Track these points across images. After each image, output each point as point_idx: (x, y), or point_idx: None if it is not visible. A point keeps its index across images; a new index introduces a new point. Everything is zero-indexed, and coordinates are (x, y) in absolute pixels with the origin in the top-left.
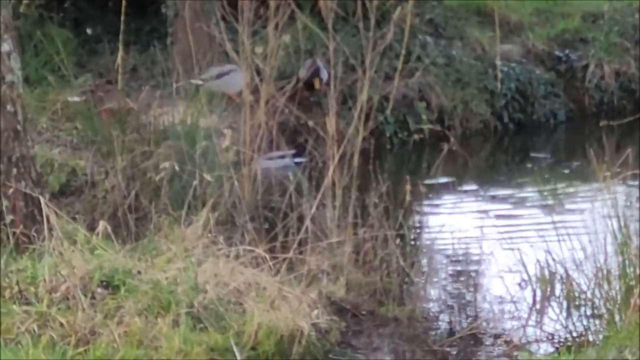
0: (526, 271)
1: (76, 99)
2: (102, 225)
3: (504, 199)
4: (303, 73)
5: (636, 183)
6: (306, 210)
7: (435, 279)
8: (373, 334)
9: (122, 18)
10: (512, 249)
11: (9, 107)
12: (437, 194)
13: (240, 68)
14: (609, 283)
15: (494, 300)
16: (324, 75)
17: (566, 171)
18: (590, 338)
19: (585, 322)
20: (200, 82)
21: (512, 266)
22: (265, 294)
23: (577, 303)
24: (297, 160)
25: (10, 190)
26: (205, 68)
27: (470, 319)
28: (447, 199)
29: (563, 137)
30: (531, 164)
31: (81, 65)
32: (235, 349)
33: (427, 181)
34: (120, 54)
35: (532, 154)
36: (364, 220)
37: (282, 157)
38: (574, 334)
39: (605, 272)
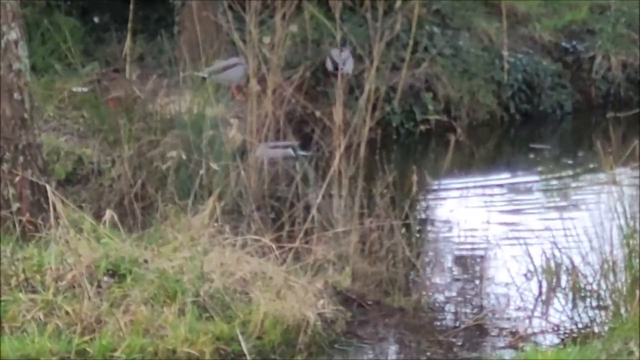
0: (532, 262)
1: (83, 88)
2: (108, 213)
3: (510, 190)
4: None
5: None
6: (312, 199)
7: (441, 270)
8: (379, 324)
9: (131, 7)
10: (517, 240)
11: (16, 95)
12: (443, 185)
13: (244, 61)
14: (615, 275)
15: (500, 291)
16: (349, 65)
17: (571, 162)
18: (596, 329)
19: (590, 314)
20: (205, 75)
21: (517, 257)
22: (272, 284)
23: (582, 294)
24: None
25: (17, 178)
26: (212, 58)
27: (475, 309)
28: (453, 189)
29: (569, 128)
30: (533, 155)
31: (88, 53)
32: (241, 338)
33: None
34: (128, 42)
35: (532, 145)
36: (370, 210)
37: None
38: (580, 326)
39: (611, 263)
